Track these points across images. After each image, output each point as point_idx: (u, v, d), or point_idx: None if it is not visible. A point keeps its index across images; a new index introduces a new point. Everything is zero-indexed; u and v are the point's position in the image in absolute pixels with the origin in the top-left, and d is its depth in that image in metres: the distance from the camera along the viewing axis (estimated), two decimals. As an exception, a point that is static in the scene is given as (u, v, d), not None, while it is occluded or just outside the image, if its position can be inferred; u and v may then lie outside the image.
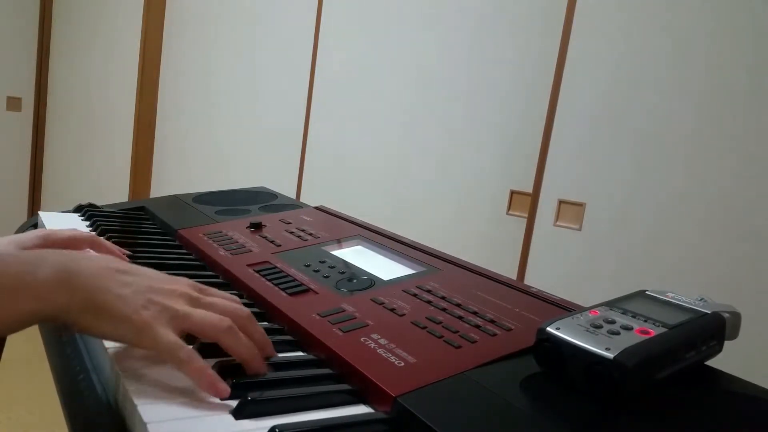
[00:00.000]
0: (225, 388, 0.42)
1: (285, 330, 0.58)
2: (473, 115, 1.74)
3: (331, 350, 0.50)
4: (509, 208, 1.67)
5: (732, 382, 0.49)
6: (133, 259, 0.73)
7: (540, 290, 0.65)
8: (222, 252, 0.78)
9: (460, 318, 0.56)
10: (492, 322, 0.56)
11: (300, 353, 0.53)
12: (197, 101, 2.62)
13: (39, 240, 0.69)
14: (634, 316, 0.49)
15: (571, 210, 1.54)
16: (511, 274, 1.61)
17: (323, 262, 0.73)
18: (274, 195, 1.14)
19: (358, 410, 0.44)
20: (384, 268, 0.72)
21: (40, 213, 0.93)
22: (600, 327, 0.47)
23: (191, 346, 0.48)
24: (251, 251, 0.78)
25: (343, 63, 2.09)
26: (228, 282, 0.71)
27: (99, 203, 1.05)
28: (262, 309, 0.62)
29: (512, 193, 1.67)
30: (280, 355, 0.51)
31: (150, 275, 0.48)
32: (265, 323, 0.59)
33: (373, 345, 0.51)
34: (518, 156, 1.65)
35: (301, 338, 0.55)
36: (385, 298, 0.61)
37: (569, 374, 0.45)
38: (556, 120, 1.55)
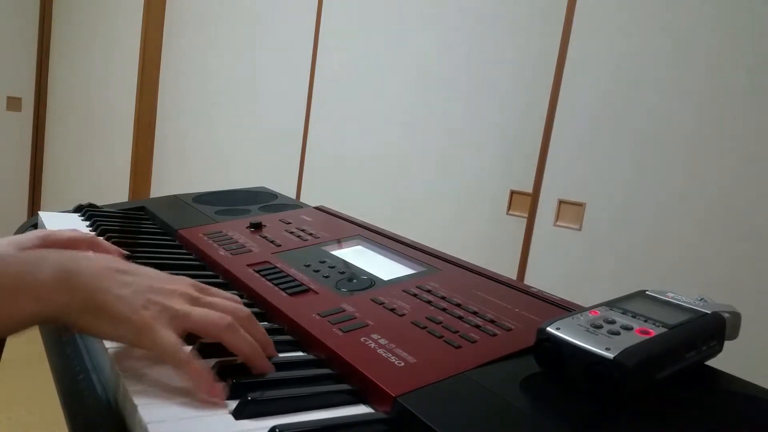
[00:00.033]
0: (223, 391, 0.41)
1: (285, 330, 0.58)
2: (473, 115, 1.74)
3: (331, 350, 0.50)
4: (509, 208, 1.67)
5: (732, 382, 0.49)
6: (133, 259, 0.73)
7: (540, 290, 0.65)
8: (222, 252, 0.78)
9: (460, 318, 0.56)
10: (492, 322, 0.56)
11: (300, 353, 0.53)
12: (197, 101, 2.62)
13: (38, 241, 0.69)
14: (634, 316, 0.49)
15: (571, 210, 1.54)
16: (511, 274, 1.61)
17: (323, 262, 0.73)
18: (274, 195, 1.14)
19: (358, 410, 0.44)
20: (384, 268, 0.72)
21: (40, 213, 0.93)
22: (600, 327, 0.47)
23: (192, 347, 0.48)
24: (251, 251, 0.78)
25: (343, 63, 2.09)
26: (228, 282, 0.71)
27: (99, 203, 1.05)
28: (262, 309, 0.62)
29: (512, 193, 1.67)
30: (281, 355, 0.51)
31: (150, 275, 0.48)
32: (265, 323, 0.59)
33: (373, 345, 0.51)
34: (518, 156, 1.65)
35: (301, 338, 0.55)
36: (385, 298, 0.61)
37: (569, 374, 0.45)
38: (556, 120, 1.55)
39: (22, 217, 3.35)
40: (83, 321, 0.43)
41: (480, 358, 0.49)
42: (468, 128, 1.75)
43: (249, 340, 0.46)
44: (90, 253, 0.66)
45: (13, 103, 3.27)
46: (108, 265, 0.46)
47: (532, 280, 1.59)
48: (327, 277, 0.68)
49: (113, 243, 0.76)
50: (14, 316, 0.41)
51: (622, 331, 0.47)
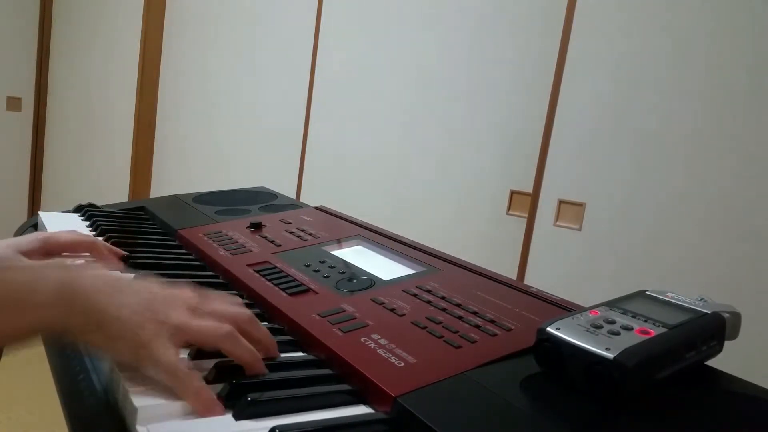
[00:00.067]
0: (221, 410, 0.41)
1: (285, 330, 0.58)
2: (473, 115, 1.74)
3: (331, 350, 0.50)
4: (509, 208, 1.67)
5: (732, 382, 0.49)
6: (132, 259, 0.73)
7: (540, 290, 0.65)
8: (222, 252, 0.78)
9: (460, 318, 0.56)
10: (492, 322, 0.56)
11: (300, 353, 0.53)
12: (197, 101, 2.62)
13: (38, 243, 0.69)
14: (634, 316, 0.49)
15: (571, 210, 1.54)
16: (511, 274, 1.61)
17: (323, 262, 0.73)
18: (274, 195, 1.14)
19: (358, 410, 0.44)
20: (384, 268, 0.72)
21: (40, 213, 0.93)
22: (600, 327, 0.47)
23: (188, 355, 0.48)
24: (251, 251, 0.78)
25: (343, 63, 2.08)
26: (228, 282, 0.71)
27: (99, 203, 1.05)
28: (263, 309, 0.62)
29: (512, 193, 1.67)
30: (281, 355, 0.51)
31: (150, 289, 0.48)
32: (266, 323, 0.59)
33: (373, 345, 0.51)
34: (518, 156, 1.65)
35: (301, 338, 0.55)
36: (385, 298, 0.61)
37: (569, 374, 0.45)
38: (556, 120, 1.55)
39: (22, 217, 3.35)
40: (82, 337, 0.43)
41: (480, 358, 0.49)
42: (468, 128, 1.75)
43: (248, 347, 0.46)
44: (90, 265, 0.66)
45: (13, 103, 3.27)
46: (107, 281, 0.46)
47: (532, 280, 1.59)
48: (327, 277, 0.68)
49: (113, 243, 0.77)
50: (13, 331, 0.41)
51: (622, 331, 0.47)
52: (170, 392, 0.42)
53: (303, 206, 1.04)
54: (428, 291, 0.63)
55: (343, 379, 0.48)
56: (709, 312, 0.50)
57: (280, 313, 0.59)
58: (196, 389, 0.41)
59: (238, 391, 0.42)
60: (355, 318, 0.56)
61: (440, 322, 0.55)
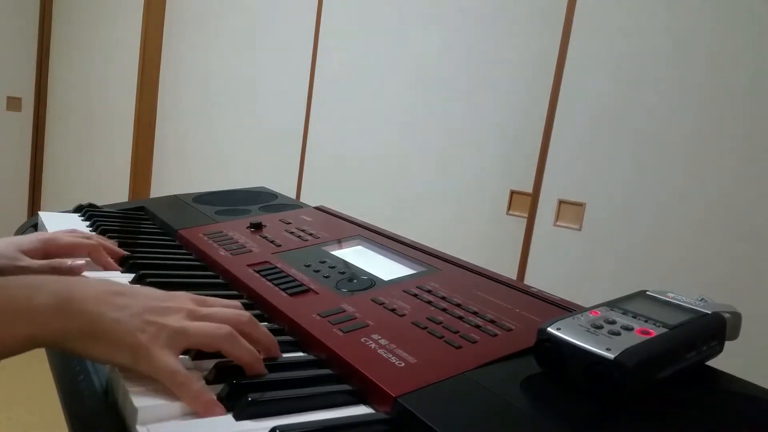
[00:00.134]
0: (222, 412, 0.41)
1: (285, 330, 0.58)
2: (473, 115, 1.74)
3: (332, 350, 0.50)
4: (509, 208, 1.67)
5: (732, 382, 0.49)
6: (132, 259, 0.73)
7: (540, 290, 0.65)
8: (222, 252, 0.78)
9: (461, 318, 0.56)
10: (492, 322, 0.56)
11: (300, 354, 0.53)
12: (197, 101, 2.62)
13: (39, 244, 0.69)
14: (634, 317, 0.49)
15: (571, 210, 1.54)
16: (511, 274, 1.61)
17: (323, 262, 0.73)
18: (274, 195, 1.14)
19: (358, 411, 0.44)
20: (384, 268, 0.72)
21: (40, 213, 0.93)
22: (600, 327, 0.47)
23: (189, 356, 0.48)
24: (251, 251, 0.78)
25: (343, 63, 2.08)
26: (228, 282, 0.71)
27: (99, 203, 1.05)
28: (263, 309, 0.62)
29: (512, 193, 1.67)
30: (282, 355, 0.51)
31: (147, 295, 0.48)
32: (266, 323, 0.59)
33: (373, 345, 0.51)
34: (518, 156, 1.65)
35: (301, 339, 0.55)
36: (386, 299, 0.61)
37: (570, 374, 0.45)
38: (556, 120, 1.55)
39: (22, 217, 3.35)
40: (81, 346, 0.43)
41: (480, 359, 0.49)
42: (468, 128, 1.75)
43: (248, 348, 0.46)
44: (89, 277, 0.65)
45: (13, 103, 3.27)
46: (104, 289, 0.46)
47: (532, 280, 1.59)
48: (327, 277, 0.68)
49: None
50: (11, 341, 0.41)
51: (622, 331, 0.47)
52: (170, 392, 0.42)
53: (303, 206, 1.04)
54: (428, 291, 0.63)
55: (343, 379, 0.48)
56: (709, 312, 0.50)
57: (281, 314, 0.59)
58: (196, 392, 0.41)
59: (238, 391, 0.42)
60: (356, 318, 0.56)
61: (440, 323, 0.55)
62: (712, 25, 1.33)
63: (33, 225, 0.91)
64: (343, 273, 0.69)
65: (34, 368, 2.10)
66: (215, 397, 0.42)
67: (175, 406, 0.40)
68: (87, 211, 0.97)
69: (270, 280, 0.67)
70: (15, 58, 3.23)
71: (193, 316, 0.47)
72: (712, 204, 1.33)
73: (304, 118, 2.20)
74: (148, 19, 2.69)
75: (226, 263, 0.74)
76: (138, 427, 0.38)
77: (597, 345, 0.44)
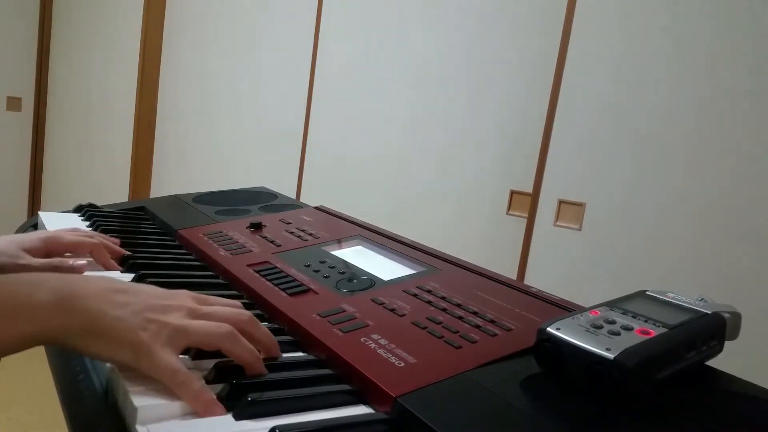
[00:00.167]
0: (222, 411, 0.41)
1: (285, 330, 0.58)
2: (473, 115, 1.74)
3: (332, 350, 0.50)
4: (509, 208, 1.67)
5: (732, 382, 0.49)
6: (132, 259, 0.73)
7: (540, 290, 0.65)
8: (222, 252, 0.78)
9: (461, 318, 0.56)
10: (492, 322, 0.56)
11: (300, 354, 0.53)
12: (197, 101, 2.62)
13: (41, 242, 0.69)
14: (634, 317, 0.49)
15: (571, 210, 1.54)
16: (511, 274, 1.61)
17: (323, 262, 0.73)
18: (274, 195, 1.14)
19: (358, 411, 0.44)
20: (384, 268, 0.72)
21: (40, 213, 0.93)
22: (600, 327, 0.47)
23: (189, 355, 0.48)
24: (251, 251, 0.78)
25: (343, 63, 2.08)
26: (228, 282, 0.71)
27: (99, 203, 1.05)
28: (263, 309, 0.62)
29: (512, 193, 1.67)
30: (282, 355, 0.51)
31: (148, 292, 0.48)
32: (266, 323, 0.59)
33: (373, 345, 0.51)
34: (518, 156, 1.65)
35: (301, 338, 0.55)
36: (386, 299, 0.61)
37: (569, 374, 0.45)
38: (556, 120, 1.55)
39: (22, 217, 3.35)
40: (81, 343, 0.43)
41: (480, 359, 0.49)
42: (468, 128, 1.75)
43: (248, 347, 0.46)
44: (90, 275, 0.66)
45: (13, 103, 3.27)
46: (105, 286, 0.46)
47: (532, 280, 1.59)
48: (327, 277, 0.68)
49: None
50: (12, 338, 0.41)
51: (622, 331, 0.47)
52: (170, 392, 0.42)
53: (303, 206, 1.04)
54: (428, 291, 0.63)
55: (343, 379, 0.48)
56: (709, 312, 0.50)
57: (280, 313, 0.59)
58: (196, 392, 0.41)
59: (238, 391, 0.42)
60: (355, 318, 0.56)
61: (440, 323, 0.55)
62: (712, 25, 1.33)
63: (33, 225, 0.91)
64: (343, 273, 0.69)
65: (34, 368, 2.11)
66: (215, 397, 0.42)
67: (175, 406, 0.41)
68: (87, 211, 0.97)
69: (270, 280, 0.67)
70: (15, 58, 3.23)
71: (194, 315, 0.47)
72: (712, 204, 1.33)
73: (304, 118, 2.20)
74: (148, 19, 2.69)
75: (226, 263, 0.74)
76: (138, 427, 0.38)
77: (597, 345, 0.44)
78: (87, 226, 0.89)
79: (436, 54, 1.83)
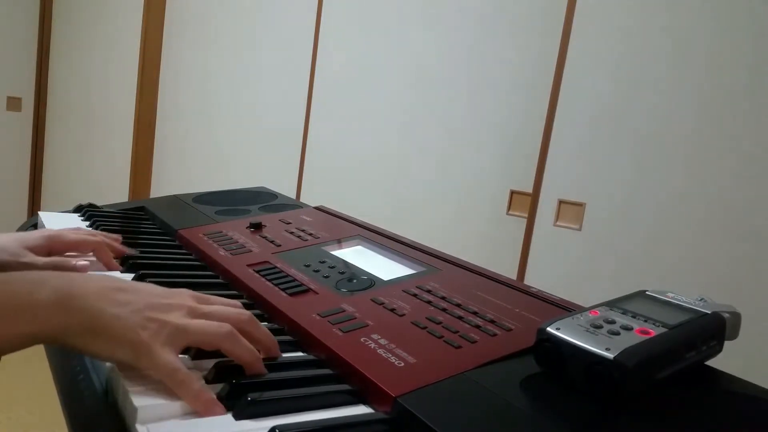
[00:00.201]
0: (222, 410, 0.41)
1: (285, 330, 0.58)
2: (473, 115, 1.74)
3: (331, 350, 0.50)
4: (509, 208, 1.67)
5: (732, 382, 0.49)
6: (132, 259, 0.73)
7: (540, 290, 0.65)
8: (222, 252, 0.78)
9: (460, 318, 0.56)
10: (492, 322, 0.56)
11: (300, 353, 0.53)
12: (197, 101, 2.62)
13: (44, 240, 0.69)
14: (634, 317, 0.49)
15: (571, 210, 1.54)
16: (511, 274, 1.61)
17: (323, 262, 0.73)
18: (274, 195, 1.14)
19: (358, 410, 0.44)
20: (384, 268, 0.72)
21: (40, 213, 0.93)
22: (600, 327, 0.47)
23: (189, 355, 0.48)
24: (251, 251, 0.78)
25: (343, 63, 2.09)
26: (228, 282, 0.71)
27: (99, 203, 1.05)
28: (263, 309, 0.62)
29: (512, 193, 1.67)
30: (282, 355, 0.51)
31: (149, 291, 0.48)
32: (266, 323, 0.59)
33: (373, 345, 0.51)
34: (518, 156, 1.65)
35: (301, 338, 0.55)
36: (385, 298, 0.61)
37: (569, 374, 0.45)
38: (556, 120, 1.55)
39: (22, 217, 3.35)
40: (81, 342, 0.43)
41: (480, 358, 0.49)
42: (468, 128, 1.75)
43: (248, 347, 0.46)
44: (90, 273, 0.66)
45: (13, 103, 3.27)
46: (105, 285, 0.46)
47: (532, 280, 1.59)
48: (327, 277, 0.68)
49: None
50: (12, 337, 0.41)
51: (622, 331, 0.47)
52: (170, 392, 0.42)
53: (303, 206, 1.04)
54: (428, 291, 0.63)
55: (343, 379, 0.48)
56: (709, 312, 0.50)
57: (280, 313, 0.59)
58: (196, 391, 0.41)
59: (238, 390, 0.42)
60: (355, 318, 0.56)
61: (440, 322, 0.55)
62: (712, 25, 1.33)
63: (33, 225, 0.91)
64: (342, 273, 0.69)
65: (34, 368, 2.11)
66: (215, 397, 0.42)
67: (175, 406, 0.41)
68: (87, 211, 0.97)
69: (270, 280, 0.67)
70: (15, 58, 3.23)
71: (194, 314, 0.47)
72: (712, 204, 1.33)
73: (304, 118, 2.20)
74: (148, 19, 2.69)
75: (226, 263, 0.74)
76: (138, 427, 0.38)
77: (596, 345, 0.44)
78: (87, 226, 0.89)
79: (436, 54, 1.83)
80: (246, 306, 0.62)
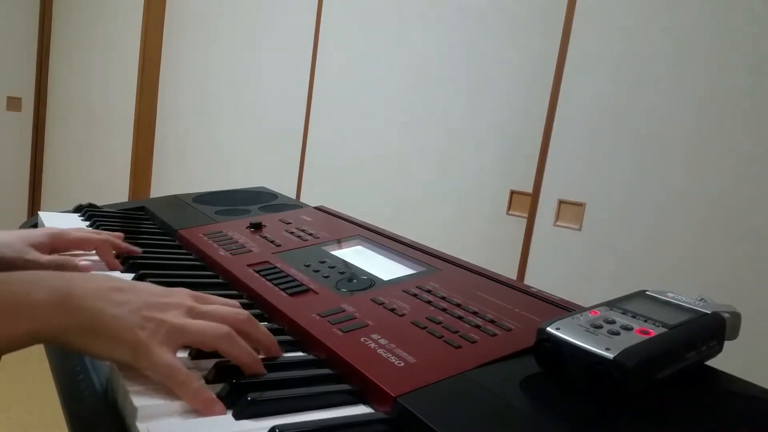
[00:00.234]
0: (222, 409, 0.41)
1: (285, 330, 0.58)
2: (473, 115, 1.74)
3: (331, 350, 0.50)
4: (509, 208, 1.67)
5: (732, 382, 0.49)
6: (132, 259, 0.73)
7: (540, 290, 0.65)
8: (222, 252, 0.78)
9: (460, 318, 0.56)
10: (492, 322, 0.56)
11: (300, 353, 0.53)
12: (197, 101, 2.62)
13: (47, 238, 0.69)
14: (634, 316, 0.49)
15: (571, 210, 1.54)
16: (511, 274, 1.61)
17: (323, 262, 0.73)
18: (274, 195, 1.14)
19: (358, 410, 0.44)
20: (384, 268, 0.72)
21: (40, 213, 0.93)
22: (600, 327, 0.47)
23: (188, 355, 0.48)
24: (251, 251, 0.78)
25: (343, 63, 2.09)
26: (228, 282, 0.71)
27: (99, 203, 1.05)
28: (263, 309, 0.62)
29: (512, 193, 1.67)
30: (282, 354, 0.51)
31: (147, 290, 0.48)
32: (265, 323, 0.59)
33: (373, 345, 0.51)
34: (518, 156, 1.65)
35: (301, 338, 0.55)
36: (385, 298, 0.61)
37: (569, 374, 0.45)
38: (556, 120, 1.55)
39: (22, 217, 3.35)
40: (80, 342, 0.43)
41: (480, 358, 0.49)
42: (468, 128, 1.75)
43: (246, 348, 0.46)
44: (88, 272, 0.66)
45: (13, 103, 3.27)
46: (104, 285, 0.46)
47: (532, 280, 1.59)
48: (327, 277, 0.68)
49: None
50: (11, 336, 0.41)
51: (622, 331, 0.47)
52: (170, 392, 0.42)
53: (303, 206, 1.04)
54: (428, 291, 0.63)
55: (343, 379, 0.48)
56: (709, 312, 0.50)
57: (280, 313, 0.59)
58: (195, 390, 0.41)
59: (238, 390, 0.42)
60: (355, 318, 0.56)
61: (440, 322, 0.55)
62: (712, 25, 1.33)
63: (33, 225, 0.91)
64: (342, 273, 0.69)
65: (34, 368, 2.11)
66: (214, 395, 0.42)
67: (175, 405, 0.41)
68: (87, 211, 0.97)
69: (270, 280, 0.67)
70: (15, 58, 3.24)
71: (193, 313, 0.47)
72: (712, 204, 1.33)
73: (304, 118, 2.20)
74: (148, 19, 2.69)
75: (226, 263, 0.74)
76: (138, 426, 0.38)
77: (596, 345, 0.44)
78: (87, 227, 0.89)
79: (436, 54, 1.83)
80: (246, 306, 0.63)
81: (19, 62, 3.25)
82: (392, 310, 0.58)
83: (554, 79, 1.55)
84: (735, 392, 0.48)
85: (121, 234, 0.77)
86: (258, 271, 0.70)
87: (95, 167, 3.07)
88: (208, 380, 0.44)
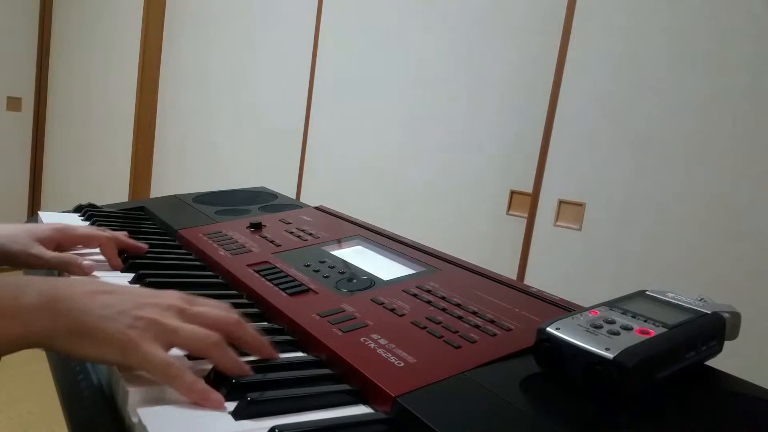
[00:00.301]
0: (219, 398, 0.41)
1: (285, 330, 0.58)
2: (473, 115, 1.74)
3: (331, 350, 0.50)
4: (509, 208, 1.67)
5: (732, 382, 0.49)
6: (133, 259, 0.73)
7: (540, 290, 0.65)
8: (222, 252, 0.78)
9: (460, 318, 0.56)
10: (492, 322, 0.56)
11: (300, 353, 0.53)
12: (197, 101, 2.62)
13: (53, 233, 0.69)
14: (634, 316, 0.49)
15: (571, 210, 1.54)
16: (511, 274, 1.61)
17: (323, 262, 0.73)
18: (274, 195, 1.14)
19: (358, 410, 0.44)
20: (384, 268, 0.72)
21: (40, 213, 0.93)
22: (600, 327, 0.47)
23: (187, 355, 0.48)
24: (251, 251, 0.78)
25: (343, 63, 2.09)
26: (228, 282, 0.71)
27: (99, 203, 1.05)
28: (263, 309, 0.62)
29: (512, 193, 1.67)
30: (281, 355, 0.51)
31: (136, 292, 0.47)
32: (265, 323, 0.59)
33: (373, 345, 0.51)
34: (518, 156, 1.65)
35: (301, 338, 0.55)
36: (385, 298, 0.61)
37: (569, 374, 0.45)
38: (556, 120, 1.55)
39: (22, 217, 3.35)
40: (69, 345, 0.42)
41: (480, 358, 0.49)
42: (468, 128, 1.75)
43: (235, 359, 0.45)
44: (75, 277, 0.66)
45: (13, 103, 3.27)
46: (90, 288, 0.46)
47: (532, 280, 1.59)
48: (327, 277, 0.68)
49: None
50: (0, 340, 0.41)
51: (622, 331, 0.47)
52: (170, 392, 0.42)
53: (303, 206, 1.04)
54: (428, 291, 0.63)
55: (343, 379, 0.48)
56: (709, 312, 0.50)
57: (280, 313, 0.59)
58: (189, 383, 0.41)
59: (238, 390, 0.42)
60: (355, 318, 0.56)
61: (440, 322, 0.55)
62: (712, 25, 1.33)
63: (33, 225, 0.91)
64: (342, 273, 0.69)
65: (34, 368, 2.11)
66: (209, 387, 0.42)
67: (175, 405, 0.41)
68: (87, 211, 0.97)
69: (270, 280, 0.67)
70: (15, 58, 3.23)
71: (182, 315, 0.46)
72: (712, 204, 1.33)
73: (303, 118, 2.20)
74: (148, 19, 2.69)
75: (226, 263, 0.74)
76: (138, 426, 0.38)
77: (596, 345, 0.44)
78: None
79: (436, 54, 1.83)
80: (246, 306, 0.63)
81: (19, 62, 3.25)
82: (392, 310, 0.58)
83: (554, 79, 1.55)
84: (735, 392, 0.48)
85: (125, 233, 0.77)
86: (258, 271, 0.70)
87: (95, 167, 3.07)
88: (209, 381, 0.44)
